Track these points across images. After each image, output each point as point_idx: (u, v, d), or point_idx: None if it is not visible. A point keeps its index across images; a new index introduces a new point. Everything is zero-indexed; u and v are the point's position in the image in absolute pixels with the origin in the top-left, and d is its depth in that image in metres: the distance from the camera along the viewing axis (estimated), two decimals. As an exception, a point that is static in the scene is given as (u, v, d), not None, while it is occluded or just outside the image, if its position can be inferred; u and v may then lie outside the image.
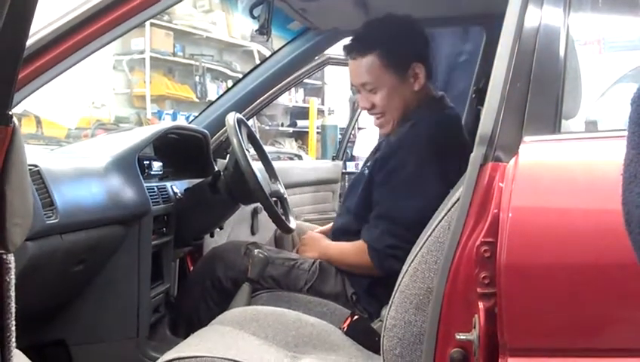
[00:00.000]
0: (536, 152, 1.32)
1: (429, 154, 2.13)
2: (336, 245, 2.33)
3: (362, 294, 2.21)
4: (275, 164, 2.73)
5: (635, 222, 0.66)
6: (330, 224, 2.58)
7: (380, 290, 2.13)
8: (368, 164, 2.34)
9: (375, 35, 2.23)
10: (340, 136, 7.57)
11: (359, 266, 2.21)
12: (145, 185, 2.19)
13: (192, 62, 7.87)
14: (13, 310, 1.16)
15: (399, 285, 1.48)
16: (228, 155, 2.48)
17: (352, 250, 2.23)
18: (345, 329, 1.97)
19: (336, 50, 3.20)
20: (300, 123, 9.44)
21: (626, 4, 1.68)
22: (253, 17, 2.41)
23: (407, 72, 2.20)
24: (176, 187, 2.48)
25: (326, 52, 3.33)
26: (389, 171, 2.16)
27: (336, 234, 2.40)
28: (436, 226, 1.42)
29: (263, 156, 2.69)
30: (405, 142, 2.18)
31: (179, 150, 2.68)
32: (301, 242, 2.47)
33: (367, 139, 6.84)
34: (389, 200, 2.16)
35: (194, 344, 1.75)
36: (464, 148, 2.04)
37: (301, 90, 9.62)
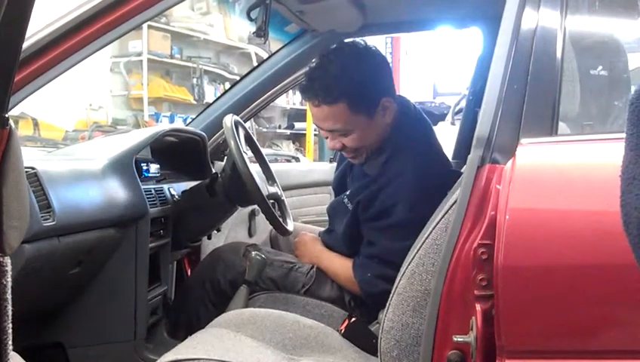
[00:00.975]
0: (533, 154, 1.32)
1: (417, 192, 2.02)
2: (328, 258, 2.30)
3: (359, 299, 2.20)
4: (273, 166, 2.73)
5: (634, 224, 0.66)
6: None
7: (377, 297, 2.13)
8: (347, 193, 2.24)
9: (339, 86, 2.03)
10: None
11: (346, 284, 2.21)
12: (142, 187, 2.18)
13: (189, 64, 7.86)
14: (9, 312, 1.16)
15: (396, 287, 1.48)
16: (225, 157, 2.48)
17: (342, 265, 2.22)
18: (342, 331, 1.97)
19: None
20: (298, 125, 9.44)
21: (624, 6, 1.68)
22: (251, 20, 2.41)
23: (377, 109, 2.08)
24: (174, 189, 2.48)
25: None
26: (376, 213, 2.09)
27: (327, 240, 2.39)
28: (433, 228, 1.42)
29: (260, 158, 2.69)
30: (388, 182, 2.09)
31: (176, 152, 2.68)
32: (295, 245, 2.46)
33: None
34: (382, 241, 2.09)
35: (191, 346, 1.75)
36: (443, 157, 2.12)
37: (298, 92, 9.60)
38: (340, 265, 2.23)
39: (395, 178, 2.07)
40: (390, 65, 2.26)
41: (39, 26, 1.62)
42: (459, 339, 1.28)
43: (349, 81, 2.03)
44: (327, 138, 2.18)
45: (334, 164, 4.33)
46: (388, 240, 2.06)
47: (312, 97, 2.07)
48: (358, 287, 2.15)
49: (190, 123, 3.07)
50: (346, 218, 2.19)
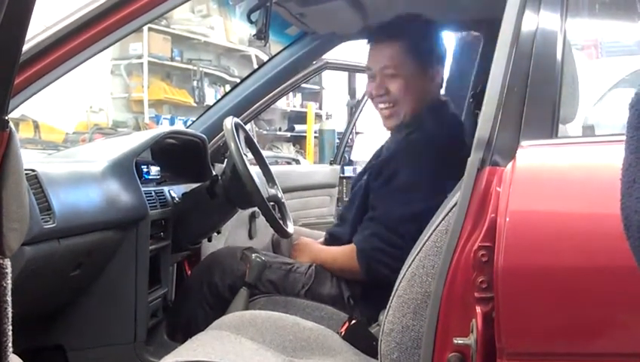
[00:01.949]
0: (533, 157, 1.32)
1: (424, 163, 2.13)
2: (327, 249, 2.34)
3: (358, 297, 2.21)
4: (273, 169, 2.73)
5: (634, 227, 0.66)
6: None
7: (375, 293, 2.14)
8: (367, 172, 2.34)
9: (405, 26, 2.25)
10: (337, 141, 7.57)
11: (348, 270, 2.22)
12: (142, 189, 2.18)
13: (189, 66, 7.87)
14: (10, 314, 1.16)
15: (397, 289, 1.48)
16: (225, 160, 2.48)
17: (342, 253, 2.25)
18: (342, 333, 1.97)
19: (334, 54, 3.21)
20: (298, 127, 9.45)
21: (623, 9, 1.69)
22: (251, 22, 2.41)
23: (428, 69, 2.24)
24: (174, 191, 2.48)
25: (324, 57, 3.33)
26: (385, 177, 2.17)
27: (328, 241, 2.43)
28: (434, 230, 1.42)
29: (260, 160, 2.69)
30: (402, 150, 2.20)
31: (176, 155, 2.68)
32: (293, 248, 2.47)
33: (365, 143, 6.85)
34: (383, 204, 2.16)
35: (191, 348, 1.75)
36: (463, 156, 2.07)
37: (299, 95, 9.62)
38: (340, 249, 2.26)
39: (410, 151, 2.17)
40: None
41: (40, 28, 1.62)
42: (459, 342, 1.28)
43: (416, 28, 2.24)
44: (371, 87, 2.29)
45: (335, 167, 4.37)
46: (388, 205, 2.13)
47: (376, 35, 2.29)
48: (356, 261, 2.15)
49: (191, 125, 3.08)
50: (362, 190, 2.27)
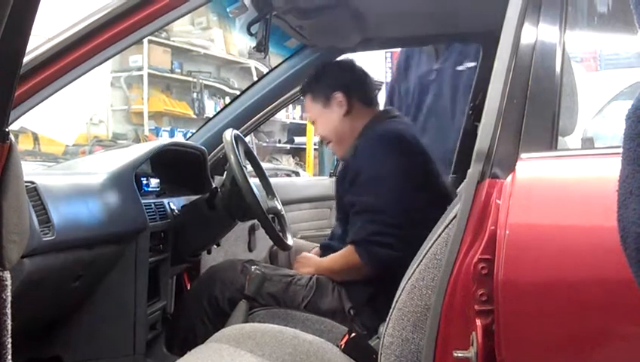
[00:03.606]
0: (533, 169, 1.32)
1: (381, 154, 2.30)
2: (327, 257, 2.39)
3: (360, 308, 2.22)
4: (273, 181, 2.73)
5: (631, 238, 0.66)
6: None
7: (377, 303, 2.18)
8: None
9: (306, 82, 2.59)
10: (337, 153, 7.55)
11: (351, 269, 2.26)
12: (142, 201, 2.18)
13: (189, 78, 7.88)
14: (9, 327, 1.15)
15: (397, 302, 1.48)
16: (225, 172, 2.48)
17: (341, 254, 2.30)
18: (342, 346, 1.96)
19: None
20: (298, 139, 9.45)
21: (622, 22, 1.69)
22: (251, 34, 2.42)
23: (330, 99, 2.47)
24: (174, 204, 2.48)
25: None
26: (350, 179, 2.33)
27: (322, 252, 2.51)
28: (433, 243, 1.42)
29: (260, 173, 2.69)
30: (356, 153, 2.36)
31: (176, 167, 2.68)
32: (296, 262, 2.49)
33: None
34: (360, 197, 2.27)
35: (191, 361, 1.74)
36: (412, 150, 2.33)
37: (299, 107, 9.63)
38: (339, 252, 2.33)
39: (363, 149, 2.35)
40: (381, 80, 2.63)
41: (40, 40, 1.63)
42: (459, 355, 1.28)
43: (309, 78, 2.57)
44: None
45: (335, 179, 4.36)
46: (363, 195, 2.27)
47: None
48: (356, 256, 2.23)
49: (190, 137, 3.08)
50: (341, 208, 2.46)
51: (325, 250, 2.47)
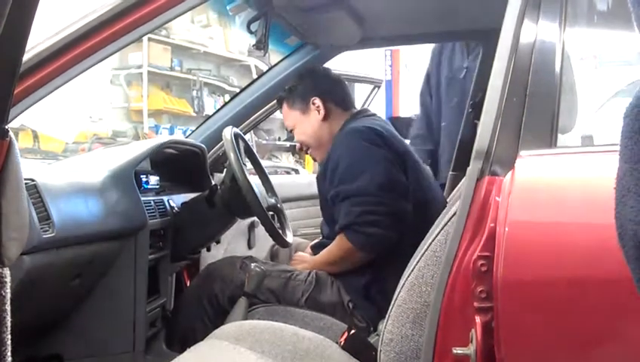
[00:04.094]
0: (532, 167, 1.32)
1: (355, 144, 2.34)
2: (323, 251, 2.40)
3: (358, 300, 2.24)
4: (272, 178, 2.73)
5: (629, 236, 0.66)
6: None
7: (375, 294, 2.20)
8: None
9: (282, 92, 2.66)
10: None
11: (346, 256, 2.28)
12: (142, 199, 2.19)
13: (189, 76, 7.88)
14: (8, 324, 1.16)
15: (396, 299, 1.48)
16: (225, 169, 2.49)
17: (334, 244, 2.32)
18: (342, 343, 1.97)
19: (333, 65, 3.22)
20: (297, 137, 9.43)
21: (622, 20, 1.69)
22: (251, 32, 2.42)
23: (308, 105, 2.54)
24: (173, 201, 2.48)
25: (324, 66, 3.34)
26: (330, 173, 2.37)
27: (315, 250, 2.53)
28: (433, 240, 1.42)
29: (259, 170, 2.69)
30: (332, 149, 2.42)
31: (176, 164, 2.68)
32: (292, 261, 2.50)
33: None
34: (340, 186, 2.29)
35: (190, 358, 1.74)
36: (384, 140, 2.34)
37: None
38: (332, 243, 2.35)
39: (338, 144, 2.41)
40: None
41: (40, 38, 1.63)
42: (458, 352, 1.28)
43: (287, 87, 2.63)
44: None
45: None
46: (344, 184, 2.30)
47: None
48: (348, 242, 2.26)
49: (190, 135, 3.08)
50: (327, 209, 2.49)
51: (318, 248, 2.48)
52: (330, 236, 2.39)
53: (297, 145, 2.68)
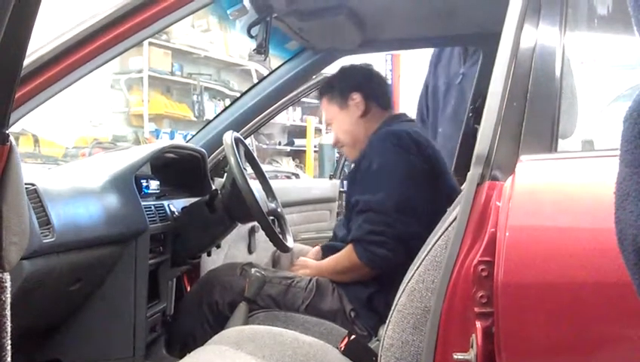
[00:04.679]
0: (532, 171, 1.32)
1: (386, 151, 2.32)
2: (330, 258, 2.39)
3: (361, 309, 2.22)
4: (273, 183, 2.73)
5: (628, 241, 0.66)
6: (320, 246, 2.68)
7: (377, 304, 2.17)
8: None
9: (323, 84, 2.67)
10: (337, 155, 7.58)
11: (352, 268, 2.27)
12: (142, 203, 2.18)
13: (189, 81, 7.89)
14: (8, 329, 1.15)
15: (397, 304, 1.48)
16: (225, 174, 2.49)
17: (343, 254, 2.31)
18: (342, 349, 1.96)
19: (334, 69, 3.22)
20: (298, 142, 9.46)
21: (623, 24, 1.69)
22: (251, 37, 2.43)
23: (347, 101, 2.49)
24: (174, 206, 2.48)
25: (323, 71, 3.34)
26: (358, 178, 2.38)
27: (324, 253, 2.52)
28: (433, 245, 1.42)
29: (260, 175, 2.69)
30: (366, 151, 2.39)
31: (176, 169, 2.68)
32: (293, 266, 2.49)
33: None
34: (363, 196, 2.28)
35: (191, 363, 1.74)
36: (418, 149, 2.32)
37: (299, 109, 9.65)
38: (339, 253, 2.34)
39: (372, 148, 2.39)
40: (389, 81, 2.65)
41: (41, 42, 1.63)
42: (459, 357, 1.28)
43: (327, 79, 2.65)
44: None
45: (335, 181, 4.38)
46: (366, 194, 2.28)
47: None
48: (355, 254, 2.25)
49: (190, 139, 3.08)
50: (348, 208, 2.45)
51: (328, 251, 2.48)
52: (344, 239, 2.39)
53: (333, 140, 2.66)
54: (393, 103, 2.63)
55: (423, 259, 1.44)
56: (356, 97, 2.49)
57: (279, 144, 9.46)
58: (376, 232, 2.20)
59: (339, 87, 2.54)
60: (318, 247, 2.65)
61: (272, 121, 3.19)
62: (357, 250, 2.24)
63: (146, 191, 2.33)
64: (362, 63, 2.71)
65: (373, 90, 2.53)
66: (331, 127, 2.61)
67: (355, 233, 2.26)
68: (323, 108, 2.63)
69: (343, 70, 2.62)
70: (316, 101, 9.64)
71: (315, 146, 8.83)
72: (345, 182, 5.18)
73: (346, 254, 2.29)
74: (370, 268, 2.22)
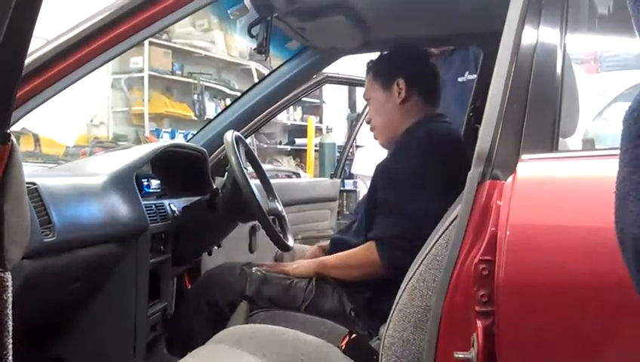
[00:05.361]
0: (533, 170, 1.32)
1: (425, 156, 2.22)
2: (332, 256, 2.33)
3: (361, 309, 2.20)
4: (273, 182, 2.73)
5: (629, 240, 0.66)
6: (319, 245, 2.64)
7: (378, 304, 2.15)
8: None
9: (374, 60, 2.52)
10: (338, 154, 7.58)
11: (367, 265, 2.19)
12: (143, 203, 2.18)
13: (190, 80, 7.88)
14: (10, 327, 1.15)
15: (397, 303, 1.48)
16: (226, 173, 2.49)
17: (362, 249, 2.23)
18: (343, 347, 1.97)
19: (334, 68, 3.22)
20: (298, 141, 9.46)
21: (623, 24, 1.69)
22: (252, 36, 2.42)
23: (392, 84, 2.39)
24: (174, 205, 2.48)
25: (324, 70, 3.35)
26: (391, 175, 2.26)
27: (332, 247, 2.44)
28: (434, 244, 1.42)
29: (261, 174, 2.69)
30: (402, 148, 2.30)
31: (177, 168, 2.68)
32: (293, 271, 2.42)
33: (366, 157, 6.85)
34: (395, 196, 2.20)
35: (191, 362, 1.74)
36: (459, 156, 2.16)
37: (299, 109, 9.65)
38: (359, 248, 2.25)
39: (409, 147, 2.28)
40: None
41: (41, 42, 1.63)
42: (460, 356, 1.28)
43: (379, 57, 2.53)
44: None
45: (335, 180, 4.38)
46: (399, 196, 2.20)
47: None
48: (374, 253, 2.17)
49: (191, 139, 3.08)
50: (367, 196, 2.36)
51: (336, 243, 2.42)
52: (358, 232, 2.33)
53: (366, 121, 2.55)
54: (439, 101, 2.52)
55: (424, 257, 1.44)
56: (400, 82, 2.39)
57: (280, 143, 9.46)
58: (404, 238, 2.08)
59: (387, 67, 2.45)
60: (316, 246, 2.64)
61: (272, 120, 3.19)
62: (380, 249, 2.16)
63: (146, 190, 2.34)
64: (422, 51, 2.65)
65: (421, 81, 2.43)
66: (368, 106, 2.53)
67: (380, 233, 2.18)
68: (366, 82, 2.50)
69: (398, 51, 2.53)
70: (317, 100, 9.73)
71: (315, 145, 8.83)
72: (345, 181, 5.19)
73: (365, 249, 2.21)
74: (387, 269, 2.14)
